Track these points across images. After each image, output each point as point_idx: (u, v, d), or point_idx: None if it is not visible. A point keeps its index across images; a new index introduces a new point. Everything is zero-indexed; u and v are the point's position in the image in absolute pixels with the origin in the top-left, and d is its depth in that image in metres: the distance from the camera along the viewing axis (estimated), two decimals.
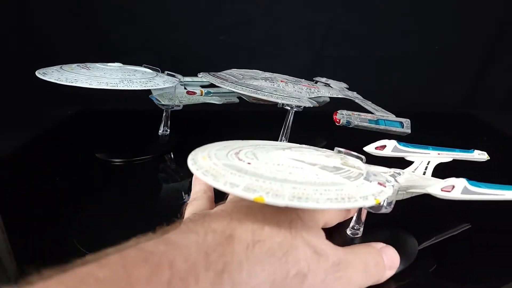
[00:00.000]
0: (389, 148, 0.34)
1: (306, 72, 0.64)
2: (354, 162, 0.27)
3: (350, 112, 0.53)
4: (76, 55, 0.65)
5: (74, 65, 0.50)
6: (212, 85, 0.57)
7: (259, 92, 0.49)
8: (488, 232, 0.38)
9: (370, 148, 0.35)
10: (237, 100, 0.64)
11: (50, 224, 0.37)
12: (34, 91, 0.68)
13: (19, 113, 0.76)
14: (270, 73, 0.59)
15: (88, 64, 0.51)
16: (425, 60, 0.86)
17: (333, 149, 0.30)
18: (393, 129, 0.57)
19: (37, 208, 0.40)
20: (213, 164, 0.22)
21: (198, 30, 0.81)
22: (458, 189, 0.29)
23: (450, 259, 0.33)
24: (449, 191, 0.29)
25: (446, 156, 0.38)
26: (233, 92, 0.53)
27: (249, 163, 0.23)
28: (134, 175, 0.49)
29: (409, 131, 0.58)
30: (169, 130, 0.59)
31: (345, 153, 0.29)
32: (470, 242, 0.36)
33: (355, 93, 0.65)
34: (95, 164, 0.50)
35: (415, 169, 0.35)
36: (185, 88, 0.60)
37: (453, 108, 0.87)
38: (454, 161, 0.39)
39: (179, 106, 0.58)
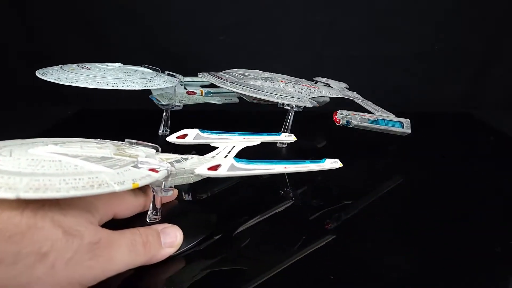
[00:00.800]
0: (191, 136, 0.36)
1: (306, 72, 0.64)
2: (136, 152, 0.28)
3: (350, 112, 0.53)
4: (76, 55, 0.65)
5: (74, 65, 0.50)
6: (212, 85, 0.57)
7: (259, 92, 0.49)
8: (309, 207, 0.40)
9: (172, 138, 0.35)
10: (237, 100, 0.64)
11: None
12: (34, 91, 0.68)
13: (19, 113, 0.76)
14: (270, 73, 0.59)
15: (88, 64, 0.51)
16: (425, 60, 0.86)
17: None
18: (393, 129, 0.57)
19: None
20: None
21: (198, 30, 0.81)
22: (225, 167, 0.31)
23: (268, 234, 0.35)
24: (215, 170, 0.31)
25: (253, 140, 0.40)
26: (233, 92, 0.53)
27: None
28: None
29: (409, 131, 0.58)
30: (169, 130, 0.59)
31: (136, 144, 0.31)
32: (291, 217, 0.38)
33: (355, 93, 0.65)
34: None
35: (216, 154, 0.36)
36: (185, 88, 0.60)
37: (453, 108, 0.87)
38: None
39: (179, 106, 0.58)
